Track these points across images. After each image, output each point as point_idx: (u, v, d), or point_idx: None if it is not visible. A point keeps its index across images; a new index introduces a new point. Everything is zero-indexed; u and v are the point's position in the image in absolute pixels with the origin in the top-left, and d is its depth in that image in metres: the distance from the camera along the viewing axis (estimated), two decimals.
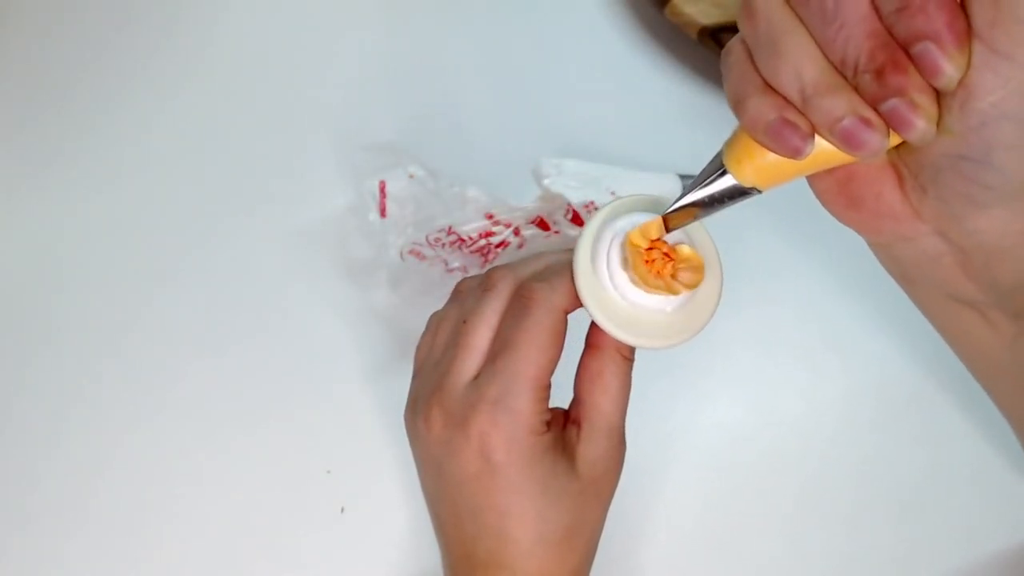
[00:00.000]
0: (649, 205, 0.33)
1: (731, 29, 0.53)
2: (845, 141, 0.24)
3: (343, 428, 0.46)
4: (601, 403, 0.33)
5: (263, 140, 0.57)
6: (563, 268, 0.34)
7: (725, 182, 0.27)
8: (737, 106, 0.26)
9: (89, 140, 0.58)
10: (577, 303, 0.33)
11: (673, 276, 0.31)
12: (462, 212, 0.47)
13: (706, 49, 0.54)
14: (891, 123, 0.24)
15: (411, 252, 0.47)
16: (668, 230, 0.30)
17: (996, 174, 0.25)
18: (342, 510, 0.44)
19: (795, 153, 0.25)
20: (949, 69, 0.23)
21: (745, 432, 0.45)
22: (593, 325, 0.34)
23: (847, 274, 0.49)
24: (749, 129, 0.26)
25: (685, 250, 0.31)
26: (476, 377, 0.33)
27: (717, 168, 0.28)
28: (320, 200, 0.53)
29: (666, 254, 0.31)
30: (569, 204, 0.47)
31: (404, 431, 0.36)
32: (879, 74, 0.23)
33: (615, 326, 0.31)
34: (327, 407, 0.47)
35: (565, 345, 0.34)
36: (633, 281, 0.31)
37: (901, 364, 0.47)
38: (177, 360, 0.49)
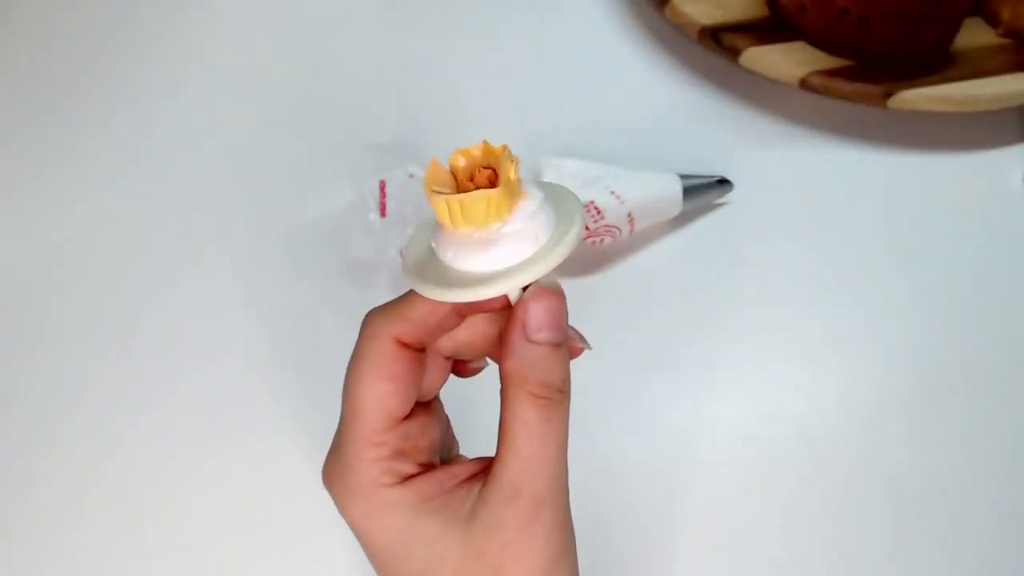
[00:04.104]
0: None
1: (731, 29, 0.53)
2: None
3: None
4: (505, 458, 0.26)
5: (263, 140, 0.57)
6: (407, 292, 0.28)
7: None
8: None
9: (88, 140, 0.58)
10: (415, 327, 0.27)
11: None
12: None
13: (706, 49, 0.54)
14: None
15: None
16: None
17: None
18: None
19: None
20: None
21: (745, 431, 0.45)
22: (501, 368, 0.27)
23: (847, 274, 0.49)
24: None
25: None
26: None
27: None
28: (320, 200, 0.53)
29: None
30: None
31: None
32: None
33: (455, 291, 0.25)
34: (327, 407, 0.47)
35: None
36: (446, 229, 0.26)
37: (901, 364, 0.47)
38: (177, 360, 0.49)
